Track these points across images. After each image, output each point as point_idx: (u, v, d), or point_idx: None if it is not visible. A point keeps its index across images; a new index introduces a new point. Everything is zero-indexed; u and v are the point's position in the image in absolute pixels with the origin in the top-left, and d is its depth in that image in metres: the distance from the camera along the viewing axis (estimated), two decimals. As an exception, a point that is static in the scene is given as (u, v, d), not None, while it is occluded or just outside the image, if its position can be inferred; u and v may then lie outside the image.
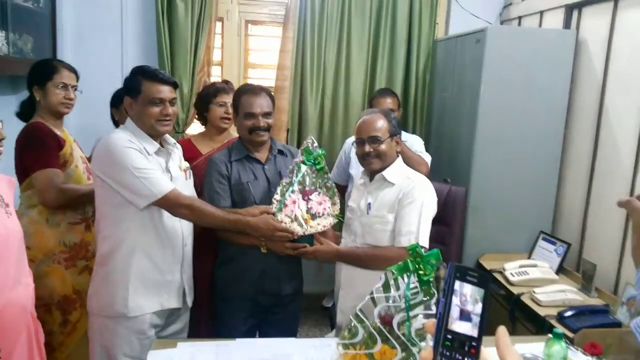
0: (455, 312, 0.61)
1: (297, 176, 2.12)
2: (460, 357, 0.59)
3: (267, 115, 2.20)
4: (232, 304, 2.23)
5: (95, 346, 2.03)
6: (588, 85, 2.97)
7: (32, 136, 2.24)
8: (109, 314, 1.99)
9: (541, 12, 3.37)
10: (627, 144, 2.64)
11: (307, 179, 2.15)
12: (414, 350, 1.36)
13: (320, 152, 2.17)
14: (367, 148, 2.06)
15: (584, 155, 2.97)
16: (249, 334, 2.21)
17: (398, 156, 2.15)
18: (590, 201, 2.91)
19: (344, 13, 3.55)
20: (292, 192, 2.11)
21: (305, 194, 2.14)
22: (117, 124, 2.84)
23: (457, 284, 0.62)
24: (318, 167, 2.16)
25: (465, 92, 3.16)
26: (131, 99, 2.02)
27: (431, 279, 1.39)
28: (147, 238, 2.00)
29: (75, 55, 3.35)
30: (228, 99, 2.62)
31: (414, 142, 3.06)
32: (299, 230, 2.09)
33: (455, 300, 0.61)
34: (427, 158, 2.94)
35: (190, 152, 2.51)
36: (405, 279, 1.41)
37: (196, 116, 2.84)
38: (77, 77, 2.39)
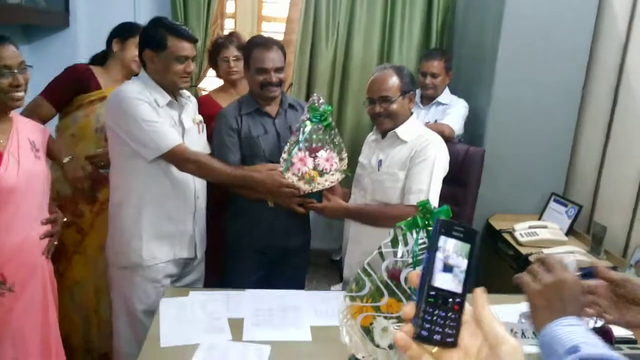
0: (439, 268, 0.59)
1: (303, 134, 2.10)
2: (443, 314, 0.58)
3: (278, 70, 2.17)
4: (242, 255, 2.27)
5: (117, 297, 2.09)
6: (610, 44, 2.88)
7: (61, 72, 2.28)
8: (126, 264, 2.04)
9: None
10: (646, 106, 2.58)
11: (314, 136, 2.12)
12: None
13: (326, 108, 2.13)
14: (378, 108, 2.03)
15: (601, 116, 2.91)
16: (258, 285, 2.26)
17: (412, 113, 2.12)
18: (604, 163, 2.87)
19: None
20: (299, 150, 2.10)
21: (312, 151, 2.12)
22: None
23: (442, 240, 0.60)
24: (325, 123, 2.13)
25: (485, 49, 3.07)
26: (153, 52, 1.98)
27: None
28: (158, 189, 2.02)
29: (87, 6, 3.29)
30: (229, 52, 2.65)
31: (452, 106, 2.99)
32: (306, 187, 2.09)
33: (440, 256, 0.60)
34: (454, 123, 2.86)
35: (211, 107, 2.51)
36: (414, 235, 1.41)
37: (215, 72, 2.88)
38: None
